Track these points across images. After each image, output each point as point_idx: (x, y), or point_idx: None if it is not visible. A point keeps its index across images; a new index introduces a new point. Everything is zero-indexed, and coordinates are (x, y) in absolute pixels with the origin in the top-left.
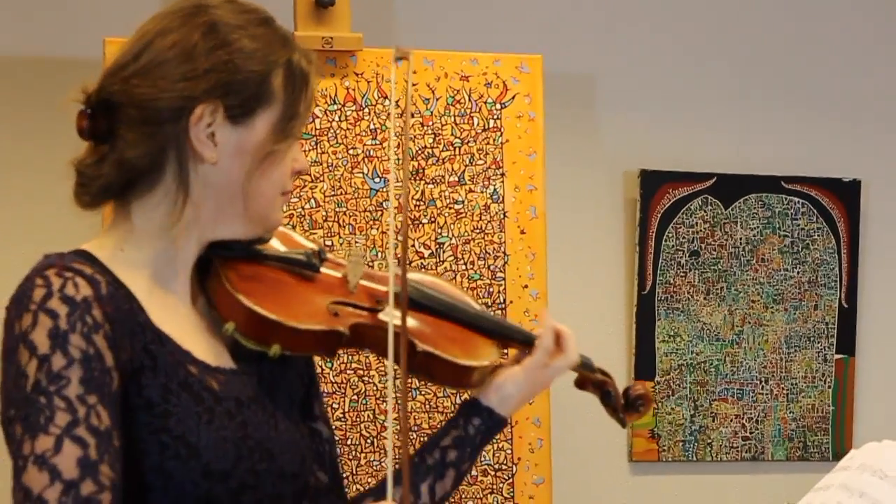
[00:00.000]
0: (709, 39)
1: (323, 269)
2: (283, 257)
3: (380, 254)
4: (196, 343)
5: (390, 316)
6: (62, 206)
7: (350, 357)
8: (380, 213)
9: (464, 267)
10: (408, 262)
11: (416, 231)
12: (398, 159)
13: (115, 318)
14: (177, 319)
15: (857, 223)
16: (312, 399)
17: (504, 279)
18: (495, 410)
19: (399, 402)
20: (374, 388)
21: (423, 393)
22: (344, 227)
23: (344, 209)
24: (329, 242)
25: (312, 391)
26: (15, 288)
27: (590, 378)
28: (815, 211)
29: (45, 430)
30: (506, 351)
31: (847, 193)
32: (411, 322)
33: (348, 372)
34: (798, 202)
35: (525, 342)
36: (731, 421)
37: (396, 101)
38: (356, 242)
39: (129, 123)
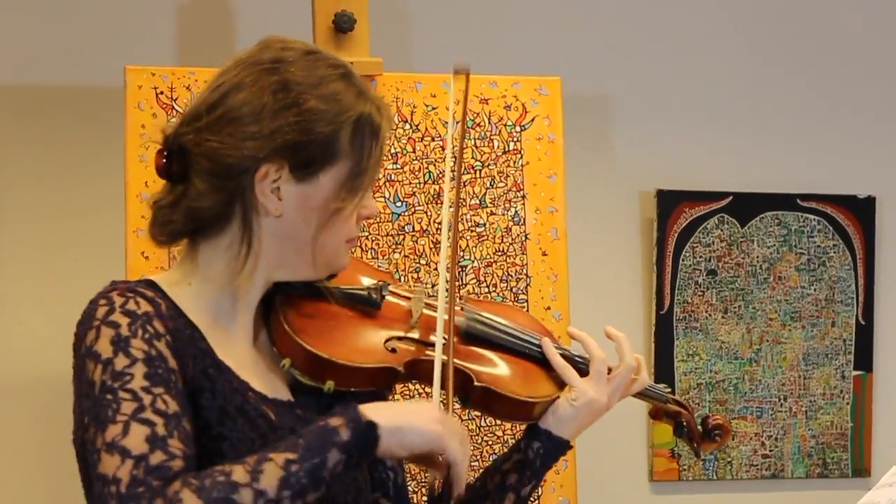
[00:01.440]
0: (723, 59)
1: (387, 302)
2: (345, 294)
3: (402, 277)
4: (254, 375)
5: (438, 353)
6: (79, 232)
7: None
8: (401, 237)
9: (486, 290)
10: (460, 290)
11: (437, 254)
12: (453, 177)
13: (176, 335)
14: (236, 354)
15: (873, 239)
16: None
17: (527, 301)
18: (553, 433)
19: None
20: None
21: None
22: (366, 251)
23: (366, 233)
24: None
25: None
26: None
27: (662, 408)
28: (830, 228)
29: (113, 420)
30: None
31: (862, 210)
32: (471, 355)
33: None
34: (814, 219)
35: (582, 367)
36: (751, 439)
37: (454, 117)
38: (422, 273)
39: (200, 173)
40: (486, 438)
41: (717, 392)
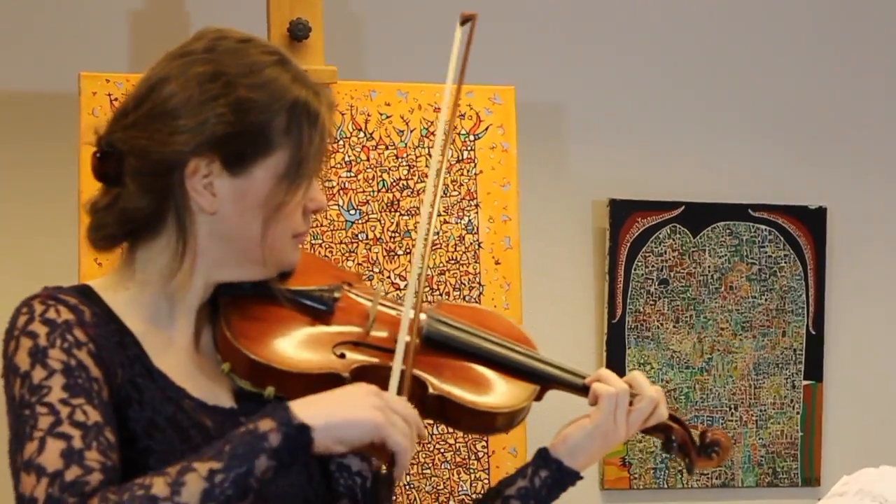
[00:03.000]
0: (676, 70)
1: (347, 301)
2: (295, 294)
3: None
4: (193, 383)
5: (397, 358)
6: (31, 240)
7: None
8: (355, 245)
9: (439, 297)
10: (432, 292)
11: (391, 262)
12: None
13: (101, 343)
14: (175, 360)
15: (824, 250)
16: None
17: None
18: (564, 463)
19: None
20: None
21: None
22: None
23: (320, 241)
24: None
25: None
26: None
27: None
28: (781, 238)
29: (30, 436)
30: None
31: (813, 221)
32: (427, 363)
33: None
34: (765, 230)
35: (574, 388)
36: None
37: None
38: (379, 281)
39: (130, 172)
40: (437, 446)
41: (668, 401)
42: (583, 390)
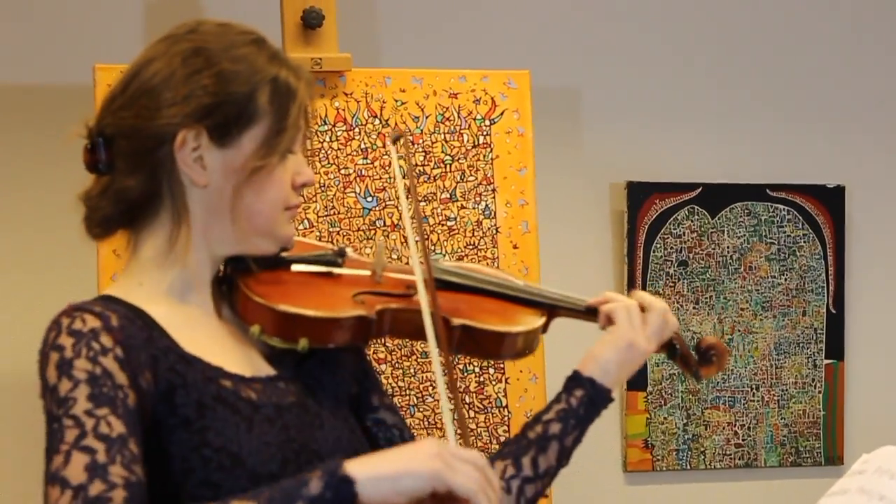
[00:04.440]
0: (691, 51)
1: (350, 263)
2: (304, 259)
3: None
4: (228, 356)
5: (420, 292)
6: (49, 233)
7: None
8: (373, 231)
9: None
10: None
11: (409, 248)
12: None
13: (130, 343)
14: (205, 337)
15: (843, 229)
16: (370, 391)
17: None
18: (597, 381)
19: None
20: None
21: (421, 410)
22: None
23: (338, 229)
24: None
25: (367, 384)
26: None
27: None
28: (800, 218)
29: (57, 449)
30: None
31: (831, 199)
32: (443, 301)
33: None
34: (783, 209)
35: (581, 313)
36: (724, 429)
37: (403, 179)
38: (380, 237)
39: (122, 155)
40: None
41: (689, 382)
42: (591, 313)
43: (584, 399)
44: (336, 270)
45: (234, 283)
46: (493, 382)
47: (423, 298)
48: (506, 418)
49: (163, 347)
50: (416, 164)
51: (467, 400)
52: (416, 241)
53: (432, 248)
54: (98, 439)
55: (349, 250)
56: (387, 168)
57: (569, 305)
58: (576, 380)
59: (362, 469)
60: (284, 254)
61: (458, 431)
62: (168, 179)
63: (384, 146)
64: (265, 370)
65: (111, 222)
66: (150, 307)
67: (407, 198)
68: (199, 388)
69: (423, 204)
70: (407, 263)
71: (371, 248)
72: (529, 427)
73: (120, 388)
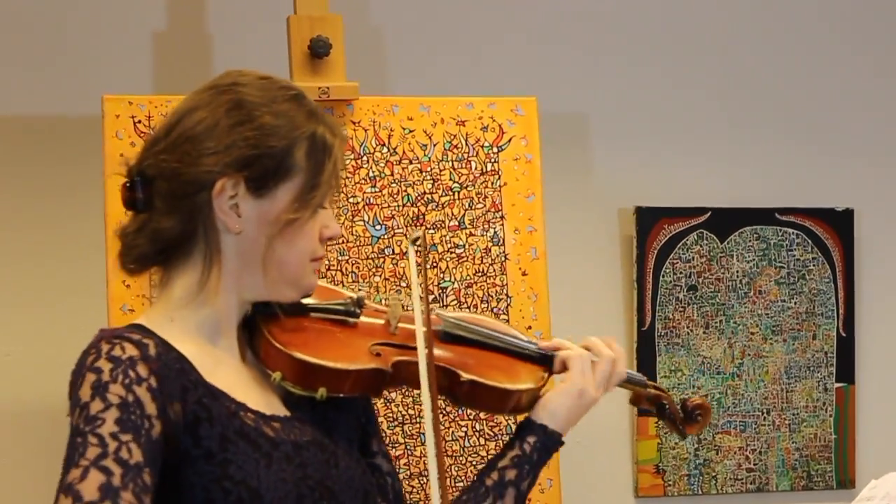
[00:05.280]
0: (699, 75)
1: (364, 317)
2: (323, 308)
3: (383, 301)
4: (249, 395)
5: (420, 350)
6: (59, 263)
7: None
8: (381, 259)
9: (467, 310)
10: (460, 305)
11: (418, 276)
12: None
13: (164, 374)
14: (229, 375)
15: (852, 252)
16: (370, 436)
17: (507, 321)
18: (549, 426)
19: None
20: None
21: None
22: (347, 275)
23: (346, 257)
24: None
25: (369, 429)
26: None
27: (642, 394)
28: (809, 241)
29: (77, 463)
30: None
31: (841, 223)
32: (453, 354)
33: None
34: (792, 233)
35: (540, 361)
36: (735, 453)
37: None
38: (396, 288)
39: (161, 195)
40: (470, 459)
41: None
42: (547, 360)
43: (536, 445)
44: (353, 319)
45: (256, 328)
46: None
47: (422, 358)
48: None
49: (193, 380)
50: (424, 192)
51: (477, 427)
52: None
53: (441, 275)
54: (117, 463)
55: (366, 299)
56: (395, 196)
57: (523, 351)
58: (528, 426)
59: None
60: (305, 300)
61: (438, 479)
62: (204, 223)
63: (392, 174)
64: (283, 411)
65: (146, 259)
66: (180, 344)
67: (421, 299)
68: (223, 422)
69: (431, 232)
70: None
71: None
72: (485, 474)
73: (148, 418)
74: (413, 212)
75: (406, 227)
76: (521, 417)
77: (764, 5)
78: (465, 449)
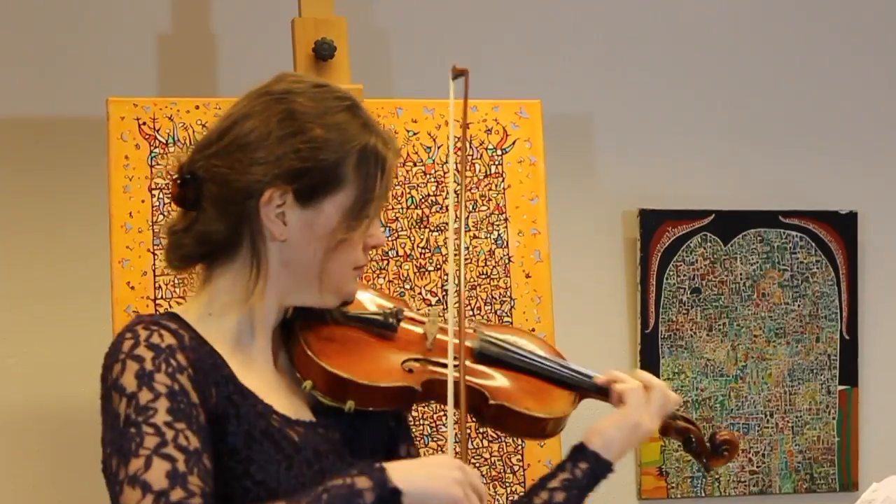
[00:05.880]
0: (702, 78)
1: (402, 326)
2: (361, 318)
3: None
4: (277, 398)
5: (450, 371)
6: (63, 265)
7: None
8: (385, 262)
9: (471, 312)
10: (477, 316)
11: (422, 279)
12: (457, 195)
13: (199, 366)
14: (259, 377)
15: (856, 255)
16: (399, 440)
17: (511, 323)
18: (601, 455)
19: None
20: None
21: (435, 440)
22: None
23: None
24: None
25: (399, 433)
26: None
27: (672, 425)
28: (813, 244)
29: (136, 453)
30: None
31: (844, 225)
32: (485, 374)
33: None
34: (796, 236)
35: (597, 393)
36: (738, 455)
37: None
38: (411, 297)
39: (210, 198)
40: (473, 460)
41: (703, 409)
42: (602, 392)
43: (587, 471)
44: (390, 331)
45: (293, 332)
46: None
47: (451, 377)
48: (519, 448)
49: (225, 375)
50: (429, 195)
51: (480, 429)
52: (457, 315)
53: (444, 278)
54: (178, 450)
55: (405, 310)
56: (399, 198)
57: (583, 385)
58: (581, 452)
59: (406, 482)
60: (345, 308)
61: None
62: (250, 230)
63: (396, 176)
64: (307, 416)
65: (192, 258)
66: (215, 339)
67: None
68: (250, 421)
69: (435, 234)
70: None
71: (383, 278)
72: (535, 493)
73: (194, 405)
74: (417, 214)
75: (410, 228)
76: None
77: (768, 9)
78: (469, 451)
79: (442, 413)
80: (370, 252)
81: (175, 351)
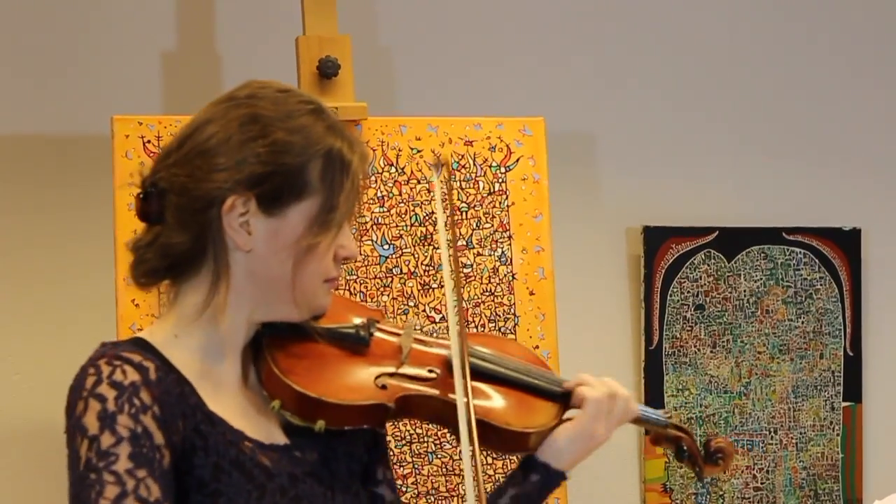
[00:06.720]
0: (706, 95)
1: (377, 337)
2: (332, 331)
3: (392, 319)
4: (248, 422)
5: (459, 394)
6: (68, 283)
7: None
8: (390, 279)
9: (475, 330)
10: (465, 327)
11: (426, 296)
12: (451, 267)
13: (165, 400)
14: (229, 401)
15: (859, 271)
16: (376, 464)
17: (515, 341)
18: (551, 465)
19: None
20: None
21: (439, 457)
22: (355, 294)
23: (355, 277)
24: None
25: (376, 456)
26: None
27: (662, 433)
28: (816, 260)
29: (95, 502)
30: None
31: (848, 242)
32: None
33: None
34: (800, 252)
35: (562, 400)
36: (742, 472)
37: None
38: (411, 315)
39: (171, 209)
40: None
41: (707, 426)
42: (566, 397)
43: (538, 483)
44: (362, 345)
45: (261, 350)
46: None
47: (460, 399)
48: None
49: (192, 404)
50: (432, 212)
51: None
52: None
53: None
54: (138, 501)
55: (378, 322)
56: (403, 216)
57: (541, 388)
58: (531, 464)
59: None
60: (315, 322)
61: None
62: (213, 240)
63: (400, 193)
64: (281, 439)
65: (156, 274)
66: (182, 364)
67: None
68: (218, 451)
69: (438, 251)
70: (434, 336)
71: (387, 296)
72: None
73: (157, 448)
74: (421, 231)
75: (414, 246)
76: None
77: (771, 27)
78: (456, 459)
79: (446, 430)
80: (372, 268)
81: (139, 389)
